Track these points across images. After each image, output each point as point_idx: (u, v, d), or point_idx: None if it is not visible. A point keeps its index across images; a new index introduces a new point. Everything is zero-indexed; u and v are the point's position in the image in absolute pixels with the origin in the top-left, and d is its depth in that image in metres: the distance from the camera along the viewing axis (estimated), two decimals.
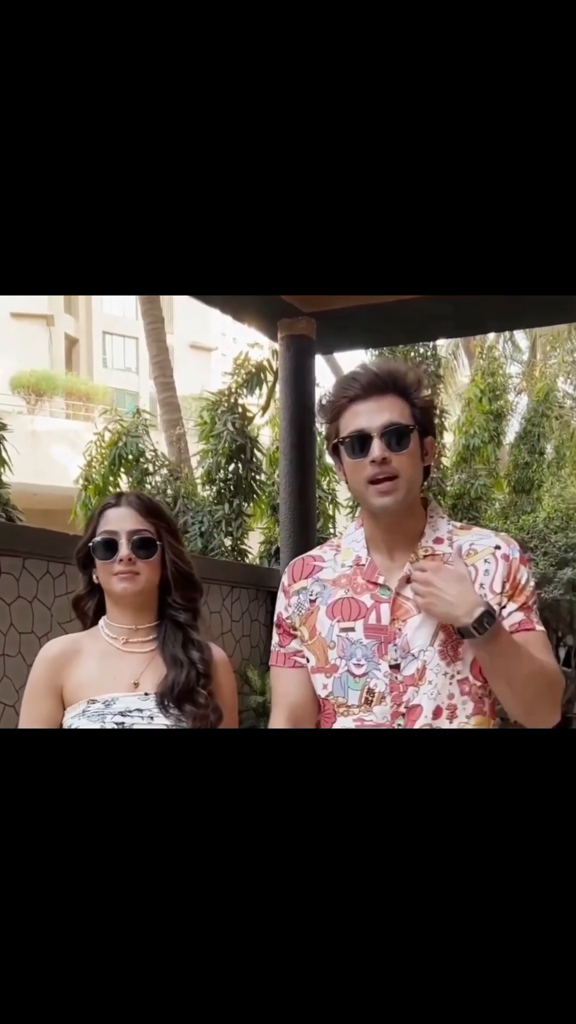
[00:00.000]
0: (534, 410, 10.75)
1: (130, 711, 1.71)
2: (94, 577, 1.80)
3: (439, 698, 1.55)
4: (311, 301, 3.88)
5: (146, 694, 1.74)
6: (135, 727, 1.70)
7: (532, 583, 1.60)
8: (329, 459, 1.92)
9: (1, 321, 25.73)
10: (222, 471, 7.13)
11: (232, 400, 7.20)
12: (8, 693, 3.89)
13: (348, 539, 1.68)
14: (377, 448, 1.53)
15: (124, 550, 1.73)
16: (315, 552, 1.73)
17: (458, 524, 1.66)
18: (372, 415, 1.54)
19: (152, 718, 1.71)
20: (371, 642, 1.58)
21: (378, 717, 1.57)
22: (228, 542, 7.01)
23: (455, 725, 1.56)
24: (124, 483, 7.41)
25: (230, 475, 7.13)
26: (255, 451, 7.19)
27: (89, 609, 1.85)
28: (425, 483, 1.65)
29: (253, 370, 7.30)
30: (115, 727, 1.69)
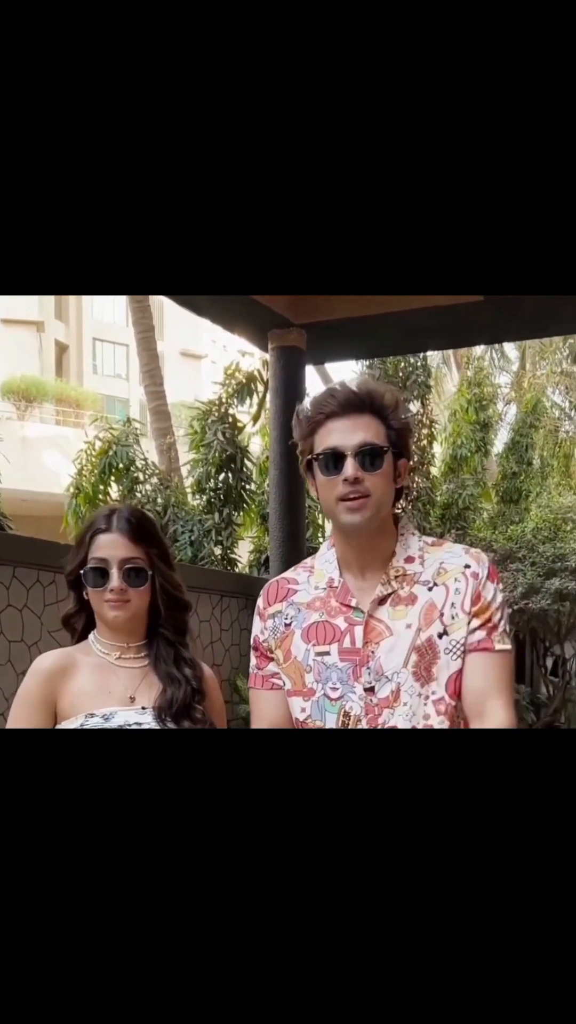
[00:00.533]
0: (522, 421, 10.81)
1: (129, 725, 1.72)
2: (84, 594, 1.81)
3: (414, 719, 1.53)
4: (302, 312, 3.90)
5: (143, 708, 1.75)
6: None
7: (499, 599, 1.58)
8: None
9: None
10: (212, 480, 7.16)
11: (223, 410, 7.23)
12: None
13: (320, 560, 1.67)
14: (350, 467, 1.51)
15: (115, 581, 1.74)
16: (289, 574, 1.72)
17: (429, 540, 1.65)
18: (347, 434, 1.53)
19: None
20: (346, 665, 1.57)
21: None
22: (218, 551, 7.02)
23: None
24: (114, 492, 7.42)
25: (220, 484, 7.16)
26: (245, 461, 7.22)
27: (79, 625, 1.87)
28: (398, 504, 1.65)
29: (243, 380, 7.33)
30: None
